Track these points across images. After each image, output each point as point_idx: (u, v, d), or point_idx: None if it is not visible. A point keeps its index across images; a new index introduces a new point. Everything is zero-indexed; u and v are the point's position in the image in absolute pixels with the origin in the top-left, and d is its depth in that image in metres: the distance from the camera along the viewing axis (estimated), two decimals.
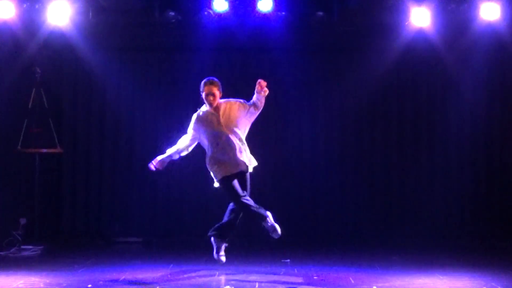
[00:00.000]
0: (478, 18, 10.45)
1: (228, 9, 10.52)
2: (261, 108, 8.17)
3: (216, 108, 8.12)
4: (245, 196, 7.93)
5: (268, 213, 7.93)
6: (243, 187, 8.05)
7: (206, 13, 10.55)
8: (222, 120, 8.06)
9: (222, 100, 8.18)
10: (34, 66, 10.74)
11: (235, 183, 7.97)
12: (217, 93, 8.12)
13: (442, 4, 10.46)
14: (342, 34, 11.04)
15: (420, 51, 11.16)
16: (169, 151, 8.27)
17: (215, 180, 8.12)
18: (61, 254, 9.89)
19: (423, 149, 11.44)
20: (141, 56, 11.48)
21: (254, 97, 8.11)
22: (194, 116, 8.17)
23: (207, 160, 8.13)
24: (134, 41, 11.17)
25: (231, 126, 8.06)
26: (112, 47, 11.24)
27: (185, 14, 10.70)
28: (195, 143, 8.26)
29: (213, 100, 8.08)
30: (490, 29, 10.63)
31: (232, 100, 8.19)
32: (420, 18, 10.49)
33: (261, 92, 8.02)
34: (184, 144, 8.21)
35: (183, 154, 8.30)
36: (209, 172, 8.17)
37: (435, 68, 11.38)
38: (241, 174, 8.06)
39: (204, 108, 8.16)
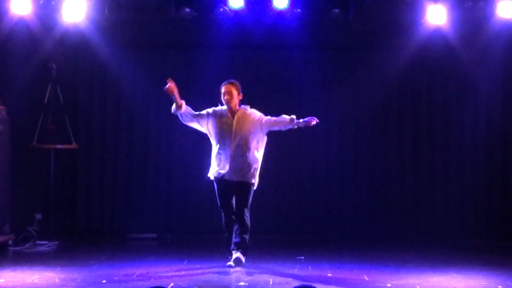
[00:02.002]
0: (495, 16, 10.40)
1: (244, 6, 10.52)
2: (282, 128, 8.34)
3: (232, 111, 8.19)
4: (226, 212, 8.22)
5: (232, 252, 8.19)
6: (240, 199, 8.15)
7: (221, 10, 10.56)
8: (234, 125, 8.11)
9: (243, 106, 8.22)
10: (50, 62, 10.78)
11: (222, 193, 8.21)
12: (235, 93, 8.19)
13: (459, 2, 10.41)
14: (358, 32, 11.02)
15: (436, 50, 11.12)
16: (187, 108, 8.31)
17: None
18: (76, 250, 9.93)
19: (437, 148, 11.39)
20: (156, 53, 11.48)
21: (288, 118, 8.23)
22: (211, 109, 8.32)
23: (211, 156, 8.30)
24: (149, 37, 11.19)
25: (241, 134, 8.12)
26: (127, 44, 11.26)
27: (200, 11, 10.71)
28: (194, 124, 8.37)
29: (230, 99, 8.15)
30: (507, 27, 10.58)
31: (253, 111, 8.25)
32: (436, 16, 10.45)
33: (301, 124, 8.20)
34: (192, 113, 8.28)
35: (184, 116, 8.33)
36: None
37: (451, 67, 11.32)
38: (237, 185, 8.15)
39: (223, 107, 8.23)
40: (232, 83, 8.27)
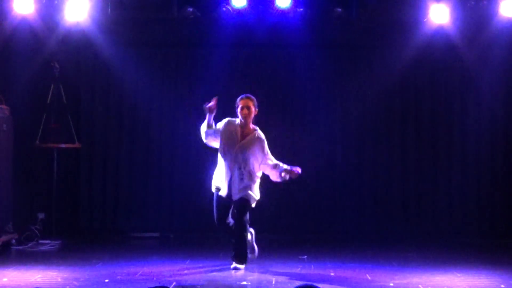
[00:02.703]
0: (498, 14, 10.39)
1: (246, 5, 10.53)
2: (271, 174, 8.24)
3: (245, 129, 8.16)
4: (220, 226, 8.23)
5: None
6: (234, 215, 8.16)
7: (224, 9, 10.56)
8: (241, 143, 8.09)
9: (257, 129, 8.22)
10: (53, 61, 10.77)
11: (220, 206, 8.18)
12: (253, 108, 8.15)
13: (462, 1, 10.41)
14: (360, 30, 11.02)
15: (438, 48, 11.10)
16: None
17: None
18: (78, 249, 9.93)
19: (440, 147, 11.37)
20: (159, 52, 11.48)
21: (281, 166, 8.13)
22: (226, 119, 8.25)
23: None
24: (152, 36, 11.19)
25: (244, 155, 8.07)
26: (130, 43, 11.25)
27: (203, 10, 10.71)
28: (215, 142, 8.30)
29: (248, 114, 8.11)
30: (510, 25, 10.56)
31: (262, 137, 8.19)
32: (439, 15, 10.45)
33: (285, 176, 8.08)
34: (216, 130, 8.22)
35: (211, 136, 8.26)
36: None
37: (454, 65, 11.30)
38: (234, 201, 8.14)
39: (237, 120, 8.20)
40: (250, 98, 8.18)
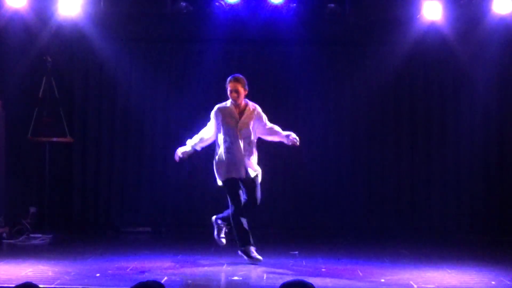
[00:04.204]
0: (491, 12, 10.43)
1: (240, 0, 10.52)
2: (276, 139, 8.33)
3: (239, 107, 8.19)
4: (241, 213, 8.09)
5: (251, 248, 8.15)
6: (251, 194, 8.15)
7: (217, 4, 10.57)
8: (240, 121, 8.11)
9: (251, 103, 8.24)
10: (45, 55, 10.73)
11: (240, 192, 8.13)
12: (241, 90, 8.15)
13: None
14: (354, 26, 11.03)
15: (432, 45, 11.13)
16: (192, 141, 8.31)
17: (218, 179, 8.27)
18: (70, 243, 9.91)
19: (434, 143, 11.40)
20: (152, 46, 11.48)
21: (282, 132, 8.25)
22: (215, 108, 8.25)
23: (215, 158, 8.22)
24: (145, 31, 11.19)
25: (246, 131, 8.13)
26: (123, 37, 11.24)
27: (196, 5, 10.72)
28: (200, 144, 8.34)
29: (237, 97, 8.13)
30: (503, 23, 10.59)
31: (258, 109, 8.26)
32: (432, 12, 10.49)
33: (289, 142, 8.20)
34: (208, 134, 8.26)
35: (206, 144, 8.36)
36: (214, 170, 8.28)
37: (447, 62, 11.33)
38: (248, 181, 8.15)
39: (228, 103, 8.20)
40: (237, 80, 8.17)
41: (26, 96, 10.94)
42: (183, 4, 10.61)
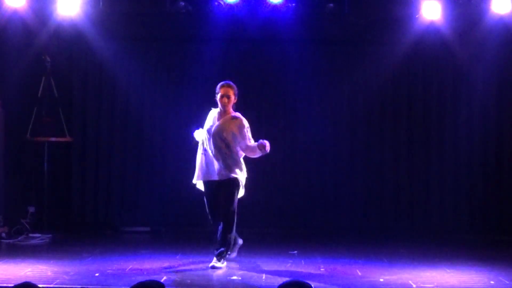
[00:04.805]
0: (490, 11, 10.42)
1: (239, 0, 10.51)
2: (251, 155, 8.08)
3: (223, 114, 8.07)
4: (213, 219, 8.09)
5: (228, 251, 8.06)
6: (224, 198, 7.95)
7: (216, 3, 10.57)
8: (215, 125, 8.00)
9: (237, 114, 8.09)
10: (44, 55, 10.73)
11: (211, 196, 8.05)
12: (232, 97, 8.06)
13: None
14: (353, 26, 11.03)
15: (430, 44, 11.12)
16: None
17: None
18: (69, 243, 9.92)
19: (432, 143, 11.39)
20: (151, 46, 11.46)
21: (254, 144, 7.94)
22: (210, 111, 8.22)
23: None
24: (144, 31, 11.17)
25: (221, 136, 7.93)
26: (122, 37, 11.23)
27: (195, 5, 10.73)
28: None
29: (227, 102, 8.03)
30: (502, 22, 10.59)
31: (240, 120, 8.03)
32: (431, 11, 10.48)
33: (261, 149, 7.83)
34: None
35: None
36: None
37: (446, 61, 11.32)
38: (220, 184, 7.98)
39: (217, 109, 8.14)
40: (231, 86, 8.09)
41: (25, 96, 10.94)
42: (182, 3, 10.61)
